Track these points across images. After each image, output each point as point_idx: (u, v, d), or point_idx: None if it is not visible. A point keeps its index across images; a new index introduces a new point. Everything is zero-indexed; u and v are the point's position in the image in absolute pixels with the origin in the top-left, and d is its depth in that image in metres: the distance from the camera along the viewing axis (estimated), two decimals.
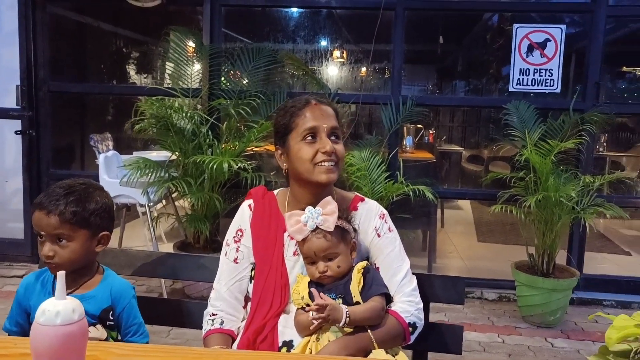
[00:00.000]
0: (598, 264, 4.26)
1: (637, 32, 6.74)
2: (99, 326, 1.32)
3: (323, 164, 1.30)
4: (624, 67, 7.63)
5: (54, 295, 0.85)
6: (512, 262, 3.42)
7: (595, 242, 4.85)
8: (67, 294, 1.25)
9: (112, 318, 1.33)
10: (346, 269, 1.27)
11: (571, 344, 3.02)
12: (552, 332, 3.18)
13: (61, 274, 0.79)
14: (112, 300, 1.34)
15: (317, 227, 1.26)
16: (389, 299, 1.31)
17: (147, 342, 1.39)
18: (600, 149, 6.82)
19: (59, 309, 0.81)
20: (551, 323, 3.25)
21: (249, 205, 1.44)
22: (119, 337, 1.36)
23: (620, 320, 1.94)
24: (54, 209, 1.25)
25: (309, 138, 1.32)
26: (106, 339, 1.32)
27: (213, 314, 1.38)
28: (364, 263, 1.30)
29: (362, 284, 1.25)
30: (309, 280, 1.29)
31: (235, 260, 1.40)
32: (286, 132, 1.37)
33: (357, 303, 1.23)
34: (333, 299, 1.23)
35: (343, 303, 1.23)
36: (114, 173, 3.55)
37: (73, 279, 1.31)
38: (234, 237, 1.42)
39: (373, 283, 1.27)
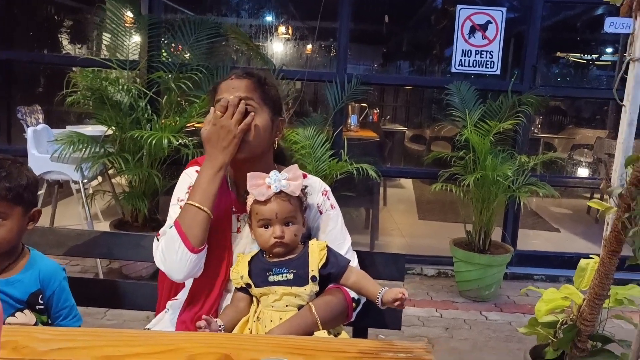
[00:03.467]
0: (530, 240, 4.47)
1: (571, 20, 7.05)
2: (26, 311, 1.24)
3: None
4: (559, 53, 7.98)
5: None
6: (450, 239, 3.53)
7: (528, 220, 5.08)
8: None
9: (41, 302, 1.26)
10: (298, 241, 1.25)
11: (504, 317, 3.16)
12: (486, 305, 3.32)
13: None
14: (41, 283, 1.27)
15: (280, 191, 1.22)
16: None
17: (79, 326, 1.33)
18: (535, 131, 7.13)
19: None
20: (486, 297, 3.38)
21: (197, 171, 1.37)
22: (50, 322, 1.29)
23: (549, 294, 2.03)
24: None
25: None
26: (35, 324, 1.25)
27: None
28: (324, 242, 1.28)
29: (324, 260, 1.23)
30: (249, 259, 1.26)
31: None
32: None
33: (314, 277, 1.22)
34: (284, 274, 1.21)
35: (294, 278, 1.21)
36: (44, 148, 3.36)
37: None
38: (187, 192, 1.33)
39: (337, 256, 1.27)
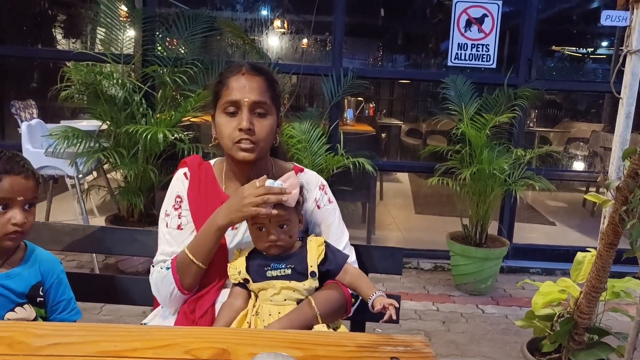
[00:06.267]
0: (526, 233, 4.48)
1: (566, 13, 7.05)
2: (26, 306, 1.22)
3: (240, 143, 1.24)
4: (554, 46, 7.98)
5: None
6: (447, 233, 3.53)
7: (524, 213, 5.09)
8: None
9: (42, 294, 1.25)
10: (295, 240, 1.25)
11: (500, 310, 3.17)
12: (483, 299, 3.33)
13: None
14: (42, 275, 1.26)
15: None
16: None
17: (78, 320, 1.32)
18: (531, 125, 7.14)
19: None
20: (482, 291, 3.39)
21: (185, 174, 1.37)
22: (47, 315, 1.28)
23: (546, 287, 2.03)
24: (29, 174, 1.19)
25: (230, 111, 1.26)
26: (35, 319, 1.23)
27: (166, 262, 1.29)
28: (321, 238, 1.27)
29: (322, 256, 1.23)
30: (246, 254, 1.25)
31: (179, 227, 1.32)
32: (216, 99, 1.31)
33: (313, 273, 1.21)
34: (282, 269, 1.21)
35: (292, 273, 1.21)
36: (39, 143, 3.33)
37: None
38: (174, 205, 1.34)
39: (336, 253, 1.27)
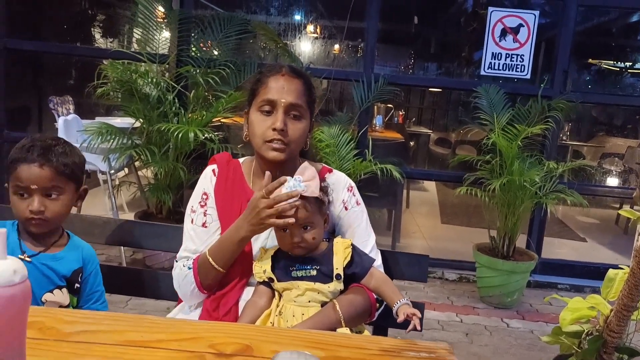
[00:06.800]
0: (555, 248, 4.39)
1: (605, 25, 6.89)
2: (64, 290, 1.27)
3: (271, 142, 1.25)
4: (591, 59, 7.81)
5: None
6: (473, 244, 3.48)
7: (554, 227, 4.98)
8: (37, 253, 1.24)
9: (80, 280, 1.30)
10: (319, 242, 1.25)
11: (526, 325, 3.11)
12: (508, 312, 3.27)
13: (2, 232, 0.73)
14: (83, 261, 1.31)
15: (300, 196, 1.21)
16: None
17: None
18: (564, 138, 6.99)
19: None
20: (508, 304, 3.33)
21: (213, 170, 1.39)
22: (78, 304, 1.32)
23: (575, 303, 1.98)
24: (47, 162, 1.22)
25: (266, 110, 1.27)
26: (68, 306, 1.28)
27: (189, 260, 1.31)
28: (348, 241, 1.27)
29: (349, 259, 1.23)
30: (272, 253, 1.26)
31: (203, 225, 1.34)
32: (252, 97, 1.33)
33: (338, 275, 1.21)
34: (308, 270, 1.21)
35: (318, 275, 1.21)
36: (74, 138, 3.41)
37: (43, 238, 1.27)
38: (200, 202, 1.36)
39: (362, 256, 1.26)
